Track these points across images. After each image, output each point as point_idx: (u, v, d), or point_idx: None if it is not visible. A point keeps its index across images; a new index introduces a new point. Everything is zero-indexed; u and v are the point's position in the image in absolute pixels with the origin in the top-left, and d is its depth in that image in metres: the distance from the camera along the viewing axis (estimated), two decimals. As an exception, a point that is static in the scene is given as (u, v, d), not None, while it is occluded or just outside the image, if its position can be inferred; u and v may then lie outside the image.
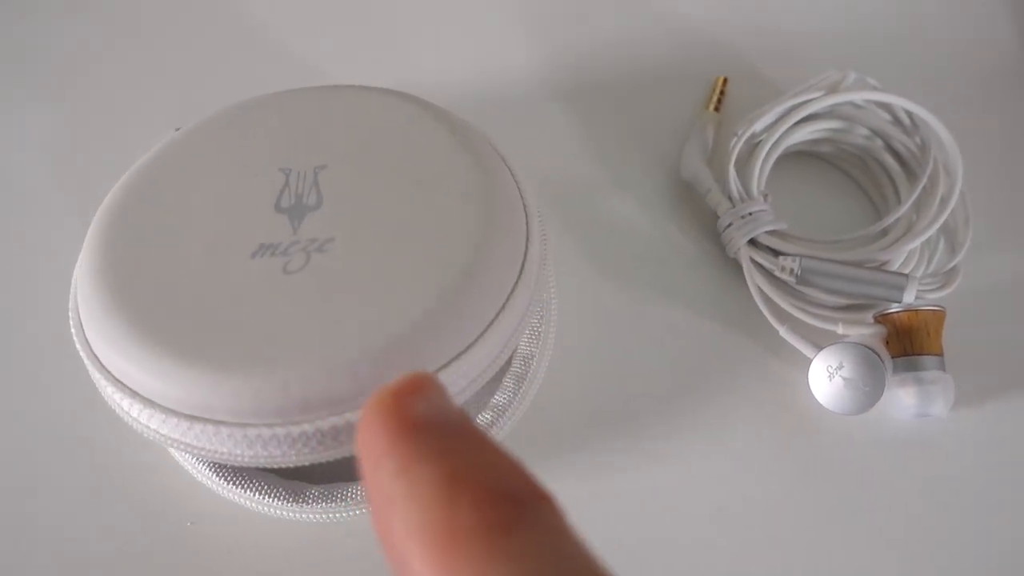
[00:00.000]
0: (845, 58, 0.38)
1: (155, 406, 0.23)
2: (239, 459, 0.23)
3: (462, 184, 0.26)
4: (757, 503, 0.30)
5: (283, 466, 0.23)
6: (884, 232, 0.33)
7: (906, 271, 0.33)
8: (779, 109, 0.33)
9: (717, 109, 0.36)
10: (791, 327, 0.30)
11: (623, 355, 0.32)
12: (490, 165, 0.27)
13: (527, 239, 0.26)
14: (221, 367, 0.22)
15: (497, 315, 0.24)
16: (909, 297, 0.30)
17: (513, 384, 0.29)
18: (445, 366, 0.23)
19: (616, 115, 0.36)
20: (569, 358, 0.32)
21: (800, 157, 0.36)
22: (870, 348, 0.29)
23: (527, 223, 0.27)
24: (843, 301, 0.32)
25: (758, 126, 0.33)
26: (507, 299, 0.25)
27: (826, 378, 0.28)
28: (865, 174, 0.35)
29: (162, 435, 0.23)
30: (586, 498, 0.30)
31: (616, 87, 0.37)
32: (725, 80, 0.37)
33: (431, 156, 0.27)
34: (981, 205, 0.34)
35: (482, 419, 0.28)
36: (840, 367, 0.28)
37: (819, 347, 0.29)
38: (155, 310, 0.23)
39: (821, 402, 0.29)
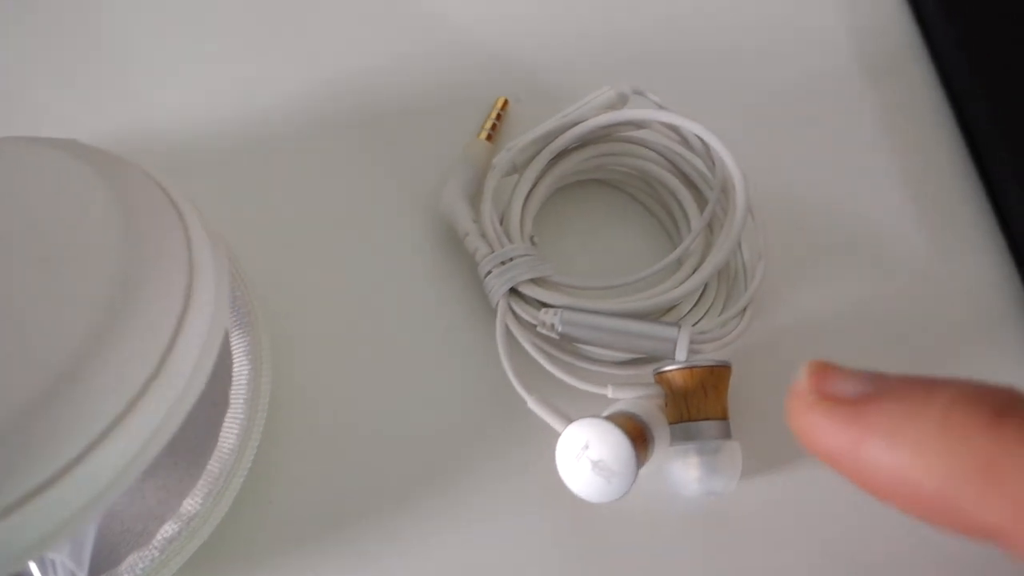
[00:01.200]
0: (647, 74, 0.33)
1: None
2: None
3: (101, 261, 0.21)
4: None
5: None
6: (679, 265, 0.29)
7: (700, 316, 0.28)
8: (539, 135, 0.28)
9: (490, 137, 0.31)
10: (540, 397, 0.26)
11: (368, 435, 0.27)
12: (150, 234, 0.22)
13: (180, 325, 0.21)
14: None
15: (111, 427, 0.20)
16: (681, 353, 0.25)
17: (207, 487, 0.24)
18: (30, 497, 0.19)
19: (380, 150, 0.32)
20: (299, 442, 0.27)
21: (588, 185, 0.31)
22: (634, 417, 0.25)
23: (186, 306, 0.22)
24: (628, 357, 0.28)
25: (518, 156, 0.29)
26: (129, 405, 0.20)
27: (573, 459, 0.24)
28: (657, 201, 0.30)
29: None
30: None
31: (381, 116, 0.32)
32: (506, 102, 0.32)
33: (74, 225, 0.22)
34: (777, 238, 0.29)
35: (166, 531, 0.24)
36: (586, 447, 0.24)
37: (570, 421, 0.25)
38: None
39: (569, 487, 0.24)
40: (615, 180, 0.31)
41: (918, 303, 0.30)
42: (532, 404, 0.26)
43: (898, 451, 0.16)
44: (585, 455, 0.23)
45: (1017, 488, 0.14)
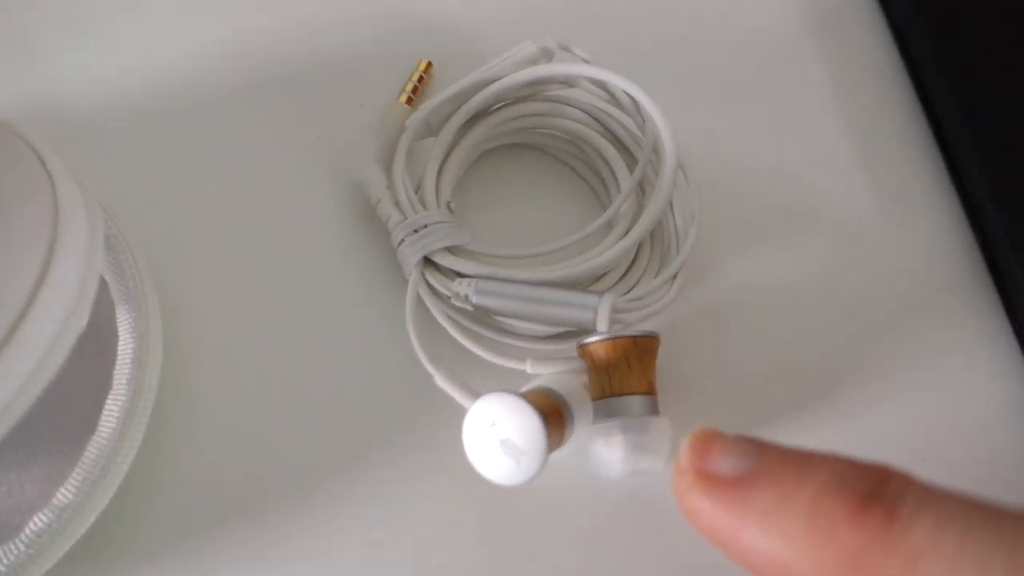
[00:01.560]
0: (583, 33, 0.31)
1: None
2: None
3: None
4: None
5: None
6: (609, 231, 0.27)
7: (633, 284, 0.26)
8: (454, 93, 0.26)
9: (410, 101, 0.29)
10: (448, 372, 0.24)
11: (270, 417, 0.25)
12: (7, 193, 0.21)
13: (36, 293, 0.19)
14: None
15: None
16: (602, 323, 0.23)
17: (83, 474, 0.22)
18: None
19: (294, 117, 0.29)
20: (196, 426, 0.25)
21: (515, 150, 0.29)
22: (550, 393, 0.23)
23: (44, 272, 0.20)
24: (554, 330, 0.26)
25: (432, 117, 0.27)
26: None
27: (480, 438, 0.22)
28: (586, 165, 0.28)
29: None
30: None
31: (295, 81, 0.30)
32: (429, 64, 0.30)
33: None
34: (717, 204, 0.28)
35: (36, 524, 0.22)
36: (493, 424, 0.21)
37: (478, 397, 0.23)
38: None
39: (477, 469, 0.22)
40: (543, 144, 0.29)
41: (869, 269, 0.28)
42: (439, 379, 0.24)
43: (771, 540, 0.16)
44: (492, 433, 0.21)
45: None
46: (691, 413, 0.25)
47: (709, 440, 0.18)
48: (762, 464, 0.17)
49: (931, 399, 0.26)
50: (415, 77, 0.29)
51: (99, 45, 0.31)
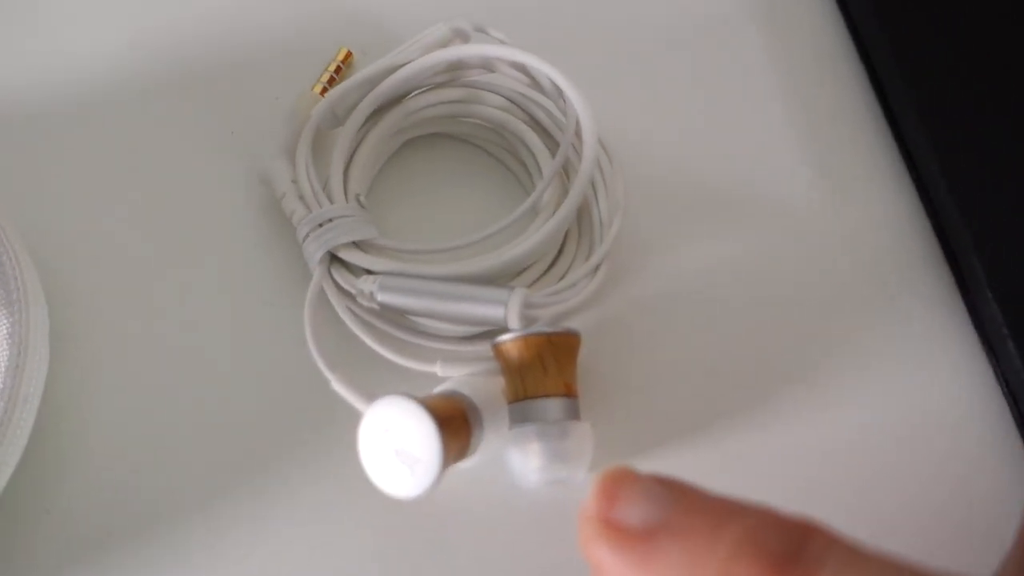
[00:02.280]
0: (513, 21, 0.30)
1: None
2: None
3: None
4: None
5: None
6: (533, 219, 0.25)
7: (560, 277, 0.24)
8: (361, 80, 0.25)
9: (325, 91, 0.27)
10: (344, 376, 0.22)
11: (168, 430, 0.24)
12: None
13: None
14: None
15: None
16: (513, 319, 0.22)
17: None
18: None
19: (204, 110, 0.28)
20: (88, 440, 0.23)
21: (439, 140, 0.27)
22: (456, 397, 0.21)
23: None
24: (469, 330, 0.24)
25: (339, 105, 0.25)
26: None
27: (374, 447, 0.20)
28: (511, 154, 0.27)
29: None
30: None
31: (206, 72, 0.28)
32: (349, 54, 0.28)
33: None
34: (651, 194, 0.26)
35: None
36: (387, 431, 0.20)
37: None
38: None
39: (372, 480, 0.20)
40: (464, 132, 0.27)
41: (814, 260, 0.26)
42: (335, 383, 0.22)
43: None
44: (386, 440, 0.20)
45: None
46: (619, 419, 0.23)
47: (618, 483, 0.16)
48: (673, 514, 0.15)
49: (881, 402, 0.24)
50: (332, 67, 0.28)
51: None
